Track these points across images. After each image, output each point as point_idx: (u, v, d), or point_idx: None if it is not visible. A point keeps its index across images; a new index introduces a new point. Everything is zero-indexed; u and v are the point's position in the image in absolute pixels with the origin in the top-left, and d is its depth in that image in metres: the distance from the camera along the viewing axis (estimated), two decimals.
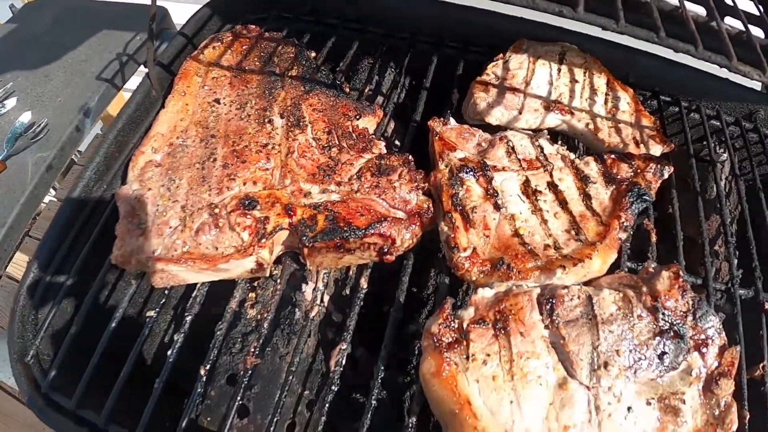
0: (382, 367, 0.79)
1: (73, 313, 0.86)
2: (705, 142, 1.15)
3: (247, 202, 0.81)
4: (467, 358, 0.73)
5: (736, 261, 1.12)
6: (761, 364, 0.92)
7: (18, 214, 1.05)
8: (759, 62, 0.80)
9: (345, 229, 0.79)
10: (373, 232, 0.79)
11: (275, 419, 0.77)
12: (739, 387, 0.86)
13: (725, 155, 1.17)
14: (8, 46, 1.30)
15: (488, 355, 0.74)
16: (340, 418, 0.89)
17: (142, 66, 1.29)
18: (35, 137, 1.10)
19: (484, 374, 0.73)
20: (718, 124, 1.18)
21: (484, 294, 0.79)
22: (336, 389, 0.78)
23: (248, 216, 0.80)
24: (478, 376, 0.72)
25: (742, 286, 0.97)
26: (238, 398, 0.78)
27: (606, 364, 0.75)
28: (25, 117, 1.11)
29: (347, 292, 0.94)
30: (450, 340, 0.74)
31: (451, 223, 0.82)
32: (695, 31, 0.77)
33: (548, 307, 0.77)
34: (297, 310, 0.89)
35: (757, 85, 1.26)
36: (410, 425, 0.76)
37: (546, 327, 0.77)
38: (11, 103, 1.16)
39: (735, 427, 0.76)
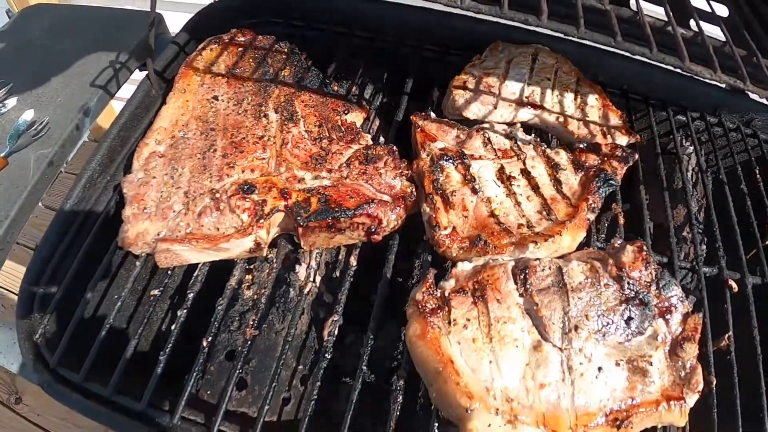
0: (372, 336, 0.91)
1: (79, 294, 0.96)
2: (671, 137, 1.32)
3: (245, 187, 0.94)
4: (449, 322, 0.86)
5: (704, 247, 1.28)
6: (726, 335, 1.06)
7: (21, 208, 1.16)
8: (711, 62, 0.96)
9: (336, 209, 0.92)
10: (361, 212, 0.93)
11: (272, 391, 0.89)
12: (706, 356, 1.00)
13: (691, 148, 1.34)
14: (7, 50, 1.43)
15: (468, 319, 0.87)
16: (332, 393, 1.00)
17: (137, 71, 1.44)
18: (37, 135, 1.22)
19: (464, 337, 0.85)
20: (684, 119, 1.34)
21: (464, 267, 0.92)
22: (329, 357, 0.90)
23: (247, 199, 0.93)
24: (459, 339, 0.85)
25: (706, 265, 1.12)
26: (238, 371, 0.89)
27: (576, 328, 0.88)
28: (27, 115, 1.24)
29: (337, 274, 1.06)
30: (433, 306, 0.87)
31: (433, 204, 0.96)
32: (651, 35, 0.93)
33: (522, 277, 0.90)
34: (291, 289, 1.01)
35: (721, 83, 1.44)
36: (398, 388, 0.88)
37: (520, 295, 0.90)
38: (12, 102, 1.28)
39: (701, 387, 0.89)
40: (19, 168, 1.21)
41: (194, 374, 0.89)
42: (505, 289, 0.90)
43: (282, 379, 0.99)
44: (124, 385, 0.91)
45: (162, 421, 0.88)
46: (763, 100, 1.42)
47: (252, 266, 1.04)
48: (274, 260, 1.02)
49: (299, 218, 0.92)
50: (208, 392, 0.97)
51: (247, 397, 0.96)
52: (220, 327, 1.00)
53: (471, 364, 0.84)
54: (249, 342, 0.94)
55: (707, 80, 1.34)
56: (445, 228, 0.95)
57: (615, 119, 1.16)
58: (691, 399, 0.89)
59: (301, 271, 1.01)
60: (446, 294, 0.89)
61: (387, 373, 1.12)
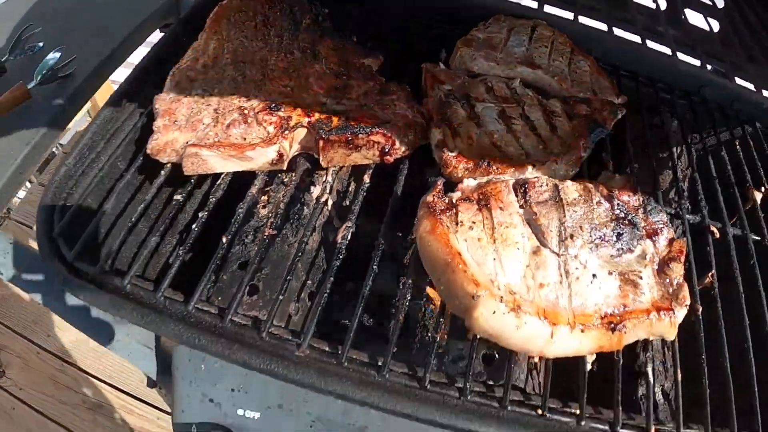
0: (382, 241, 1.05)
1: (102, 199, 1.09)
2: (658, 112, 1.54)
3: (272, 105, 1.11)
4: (456, 223, 1.01)
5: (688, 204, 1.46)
6: (710, 273, 1.22)
7: (42, 136, 1.31)
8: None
9: (355, 126, 1.09)
10: (377, 131, 1.10)
11: (282, 296, 1.00)
12: (692, 289, 1.15)
13: (675, 122, 1.56)
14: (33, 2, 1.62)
15: (474, 222, 1.02)
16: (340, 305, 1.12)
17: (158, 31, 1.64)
18: (62, 73, 1.38)
19: (471, 236, 1.00)
20: (670, 97, 1.58)
21: (469, 183, 1.09)
22: (342, 257, 1.03)
23: (273, 115, 1.10)
24: (466, 237, 1.00)
25: (690, 214, 1.30)
26: (253, 267, 1.01)
27: (572, 236, 1.04)
28: (55, 54, 1.41)
29: (347, 202, 1.21)
30: (442, 207, 1.02)
31: (441, 129, 1.14)
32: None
33: (522, 190, 1.07)
34: (305, 207, 1.15)
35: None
36: (407, 286, 1.01)
37: (521, 206, 1.06)
38: (39, 45, 1.45)
39: (688, 302, 1.04)
40: (43, 101, 1.36)
41: (212, 266, 1.00)
42: (506, 200, 1.06)
43: (292, 288, 1.10)
44: (141, 280, 1.01)
45: (177, 309, 0.98)
46: (745, 84, 1.68)
47: (269, 188, 1.19)
48: (291, 181, 1.16)
49: (321, 131, 1.08)
50: (219, 298, 1.08)
51: (258, 302, 1.07)
52: (235, 239, 1.13)
53: (477, 258, 0.98)
54: (263, 248, 1.06)
55: (693, 61, 1.61)
56: (453, 150, 1.13)
57: (605, 82, 1.38)
58: (680, 312, 1.03)
59: (315, 192, 1.16)
60: (453, 201, 1.04)
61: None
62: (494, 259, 0.99)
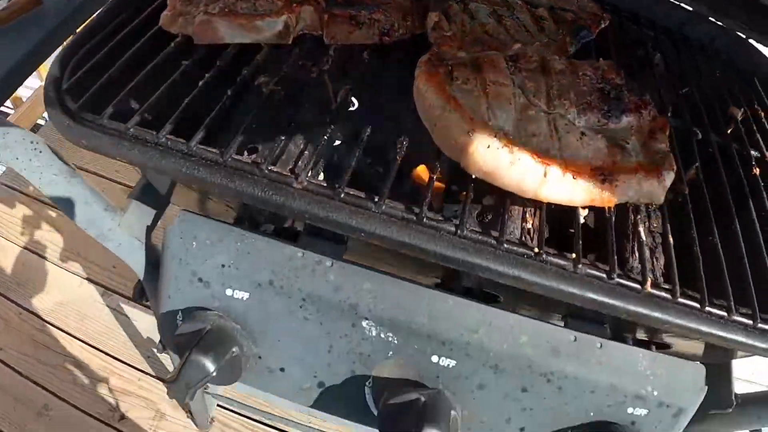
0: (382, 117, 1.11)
1: (112, 64, 1.14)
2: (641, 46, 1.66)
3: None
4: (451, 79, 1.07)
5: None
6: (694, 165, 1.27)
7: (48, 37, 1.37)
8: None
9: (358, 3, 1.18)
10: (379, 9, 1.19)
11: (281, 158, 1.05)
12: (680, 175, 1.20)
13: (658, 55, 1.67)
14: None
15: (468, 79, 1.08)
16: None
17: None
18: None
19: (464, 89, 1.07)
20: (653, 33, 1.69)
21: (462, 54, 1.16)
22: (346, 112, 1.08)
23: None
24: (460, 89, 1.06)
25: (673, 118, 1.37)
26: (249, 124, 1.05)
27: (560, 97, 1.10)
28: None
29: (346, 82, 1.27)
30: (437, 64, 1.08)
31: (437, 14, 1.23)
32: None
33: (512, 60, 1.14)
34: (306, 84, 1.21)
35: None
36: (404, 139, 1.05)
37: (511, 73, 1.13)
38: None
39: (674, 168, 1.08)
40: (52, 8, 1.44)
41: (215, 114, 1.05)
42: (498, 65, 1.13)
43: (291, 152, 1.14)
44: (144, 127, 1.05)
45: (178, 147, 1.01)
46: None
47: (272, 65, 1.25)
48: (295, 56, 1.23)
49: (326, 6, 1.17)
50: None
51: (257, 159, 1.10)
52: (238, 104, 1.18)
53: (470, 106, 1.04)
54: (263, 111, 1.11)
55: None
56: (447, 32, 1.21)
57: (590, 3, 1.50)
58: (668, 175, 1.07)
59: (316, 68, 1.23)
60: (448, 63, 1.11)
61: None
62: (487, 107, 1.05)
